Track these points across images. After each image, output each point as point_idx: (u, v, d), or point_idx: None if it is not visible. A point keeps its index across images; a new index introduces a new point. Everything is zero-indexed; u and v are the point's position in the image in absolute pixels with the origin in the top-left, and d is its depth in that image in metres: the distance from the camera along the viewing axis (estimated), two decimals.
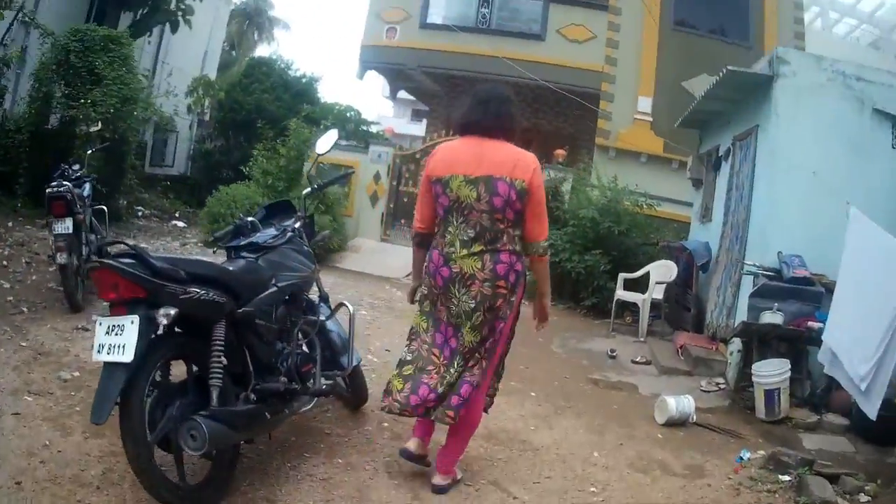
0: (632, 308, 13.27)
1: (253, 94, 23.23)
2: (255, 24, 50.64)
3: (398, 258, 16.35)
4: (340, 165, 17.10)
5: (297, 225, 5.89)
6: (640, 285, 12.94)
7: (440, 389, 5.05)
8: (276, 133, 19.61)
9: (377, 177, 19.44)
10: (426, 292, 5.30)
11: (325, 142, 6.22)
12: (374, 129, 24.30)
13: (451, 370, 5.07)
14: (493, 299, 4.97)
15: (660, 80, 19.81)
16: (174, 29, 20.81)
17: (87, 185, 9.80)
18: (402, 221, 19.06)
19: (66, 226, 8.62)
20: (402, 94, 28.44)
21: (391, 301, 12.82)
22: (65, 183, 9.02)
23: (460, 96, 23.50)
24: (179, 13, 20.31)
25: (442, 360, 5.17)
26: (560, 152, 17.78)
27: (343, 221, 18.05)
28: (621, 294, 12.85)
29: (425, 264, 5.26)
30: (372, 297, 12.96)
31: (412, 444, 5.38)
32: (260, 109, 22.80)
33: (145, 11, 20.01)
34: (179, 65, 25.95)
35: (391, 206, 19.50)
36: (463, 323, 5.06)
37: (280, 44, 56.45)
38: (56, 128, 14.91)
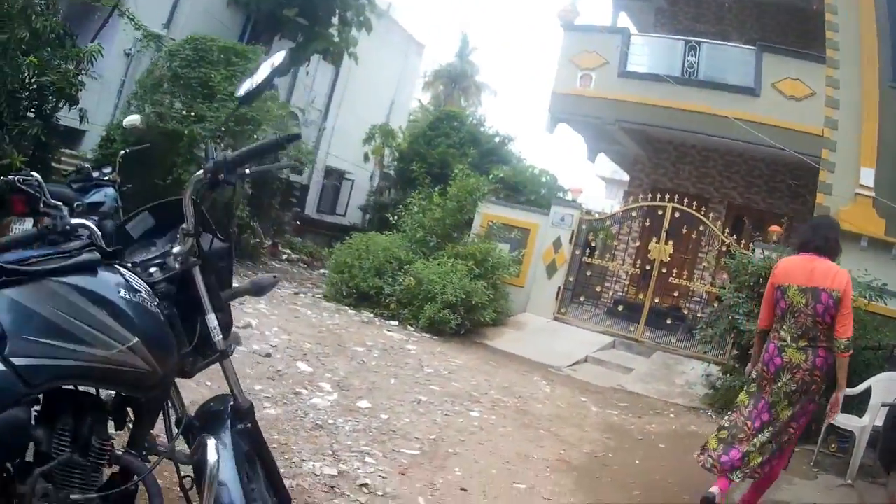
0: (839, 431, 10.62)
1: (438, 148, 22.85)
2: (460, 87, 51.15)
3: (568, 342, 15.75)
4: (515, 227, 17.85)
5: (179, 249, 3.21)
6: (854, 405, 10.47)
7: (744, 453, 6.46)
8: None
9: (557, 243, 18.01)
10: (755, 376, 6.86)
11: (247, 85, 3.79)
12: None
13: (757, 438, 6.50)
14: (810, 384, 6.43)
15: (883, 146, 17.24)
16: (337, 62, 21.61)
17: (105, 191, 8.80)
18: (582, 299, 18.20)
19: (23, 227, 7.12)
20: (603, 160, 27.84)
21: (530, 400, 10.92)
22: (32, 173, 7.54)
23: (664, 162, 23.20)
24: (342, 45, 20.44)
25: (752, 430, 6.56)
26: (776, 229, 16.28)
27: (506, 291, 16.86)
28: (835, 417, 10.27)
29: (762, 353, 6.79)
30: (505, 391, 11.11)
31: (715, 490, 6.42)
32: (444, 164, 22.14)
33: (302, 40, 19.89)
34: (360, 112, 26.64)
35: (570, 279, 18.03)
36: (780, 401, 6.50)
37: (486, 109, 57.54)
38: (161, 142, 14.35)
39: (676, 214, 17.28)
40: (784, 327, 6.59)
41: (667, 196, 17.97)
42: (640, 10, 25.46)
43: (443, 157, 22.57)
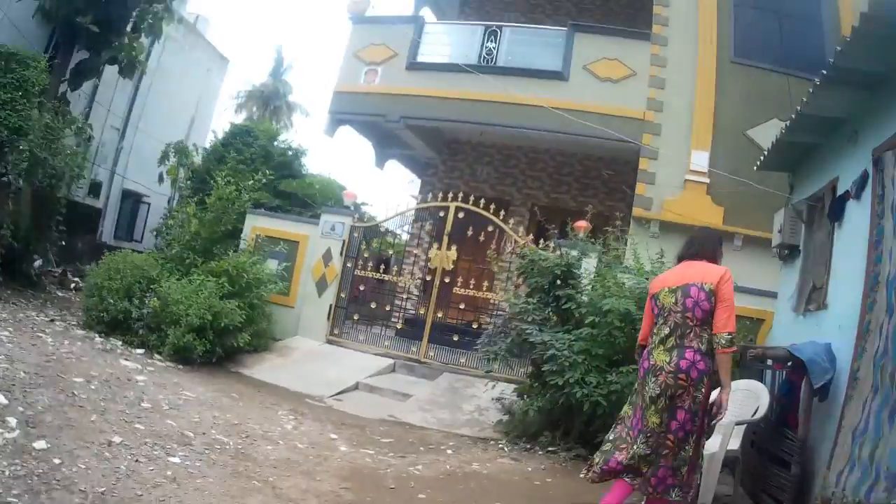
0: None
1: (228, 164, 21.00)
2: (272, 107, 51.10)
3: (339, 367, 14.27)
4: (282, 240, 16.16)
5: None
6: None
7: (626, 461, 6.16)
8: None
9: (327, 256, 16.04)
10: (636, 386, 6.59)
11: None
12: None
13: (635, 446, 6.16)
14: (675, 389, 6.06)
15: (720, 128, 16.19)
16: (127, 72, 20.26)
17: None
18: (356, 317, 16.20)
19: None
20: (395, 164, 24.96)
21: (260, 440, 8.96)
22: None
23: (460, 164, 21.65)
24: (131, 54, 19.72)
25: (631, 440, 6.27)
26: (582, 225, 13.47)
27: (271, 312, 15.26)
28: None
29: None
30: (232, 430, 9.15)
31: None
32: (236, 182, 19.86)
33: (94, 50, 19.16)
34: (159, 131, 25.92)
35: (342, 295, 16.26)
36: (647, 407, 6.19)
37: (298, 131, 56.24)
38: None
39: (461, 215, 15.71)
40: (655, 330, 6.48)
41: (459, 199, 16.09)
42: (446, 2, 23.68)
43: (234, 175, 20.28)
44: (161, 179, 22.26)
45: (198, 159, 22.55)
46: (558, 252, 12.26)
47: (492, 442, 10.65)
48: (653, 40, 17.05)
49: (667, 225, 15.76)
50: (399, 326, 16.39)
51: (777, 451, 8.29)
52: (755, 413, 8.16)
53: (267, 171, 19.20)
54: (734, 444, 7.95)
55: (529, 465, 9.37)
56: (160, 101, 27.95)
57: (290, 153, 23.82)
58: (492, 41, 18.43)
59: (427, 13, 22.73)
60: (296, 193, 20.05)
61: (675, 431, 6.09)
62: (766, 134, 12.80)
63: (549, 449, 10.20)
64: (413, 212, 16.54)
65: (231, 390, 11.73)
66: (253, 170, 20.25)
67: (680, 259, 6.80)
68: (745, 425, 8.28)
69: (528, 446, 10.24)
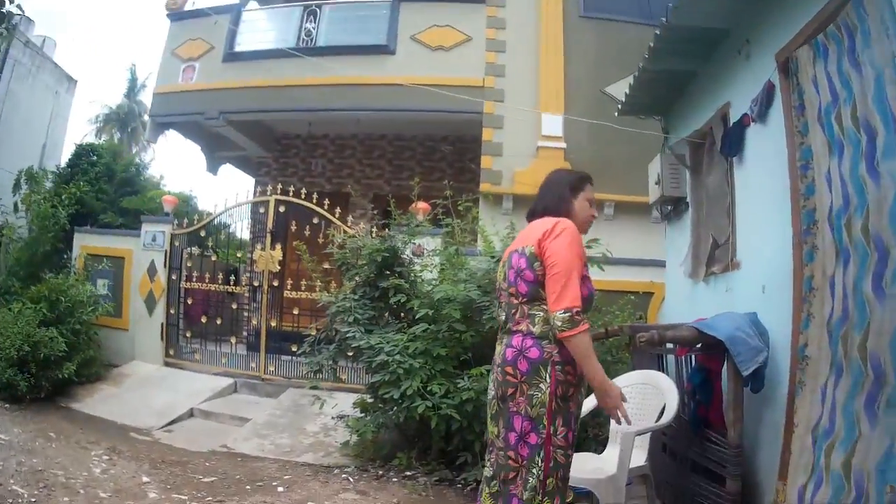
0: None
1: (77, 188, 19.81)
2: (129, 129, 49.46)
3: (176, 393, 12.68)
4: (106, 257, 14.90)
5: None
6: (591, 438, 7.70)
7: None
8: None
9: (152, 269, 14.36)
10: None
11: None
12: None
13: (487, 467, 4.69)
14: (505, 388, 4.43)
15: (571, 88, 14.99)
16: None
17: None
18: (188, 335, 14.57)
19: None
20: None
21: (56, 490, 7.34)
22: None
23: (293, 160, 20.42)
24: None
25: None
26: (423, 206, 11.83)
27: (101, 337, 13.62)
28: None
29: None
30: (31, 478, 7.57)
31: None
32: (81, 202, 19.31)
33: None
34: (13, 163, 23.87)
35: (171, 311, 14.48)
36: (487, 413, 4.77)
37: (157, 150, 54.59)
38: None
39: (282, 209, 14.18)
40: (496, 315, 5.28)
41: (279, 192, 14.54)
42: None
43: (79, 197, 19.57)
44: (16, 209, 19.89)
45: (49, 184, 20.75)
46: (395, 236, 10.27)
47: (336, 470, 8.75)
48: (488, 2, 15.87)
49: (521, 199, 14.16)
50: (234, 341, 14.65)
51: (702, 461, 6.15)
52: (661, 415, 5.91)
53: (104, 188, 19.09)
54: (638, 457, 5.87)
55: (380, 500, 7.48)
56: (12, 130, 26.88)
57: (132, 169, 22.76)
58: (311, 21, 17.16)
59: (254, 6, 21.17)
60: (139, 209, 18.50)
61: (516, 447, 4.40)
62: (626, 89, 11.24)
63: (406, 474, 8.36)
64: (234, 212, 14.78)
65: (51, 429, 10.29)
66: (98, 189, 19.82)
67: (528, 220, 5.05)
68: (649, 434, 6.12)
69: (381, 472, 8.37)
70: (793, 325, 5.33)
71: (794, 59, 5.60)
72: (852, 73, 4.68)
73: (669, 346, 6.61)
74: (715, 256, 7.49)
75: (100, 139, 45.34)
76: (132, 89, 50.41)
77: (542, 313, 4.39)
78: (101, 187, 20.44)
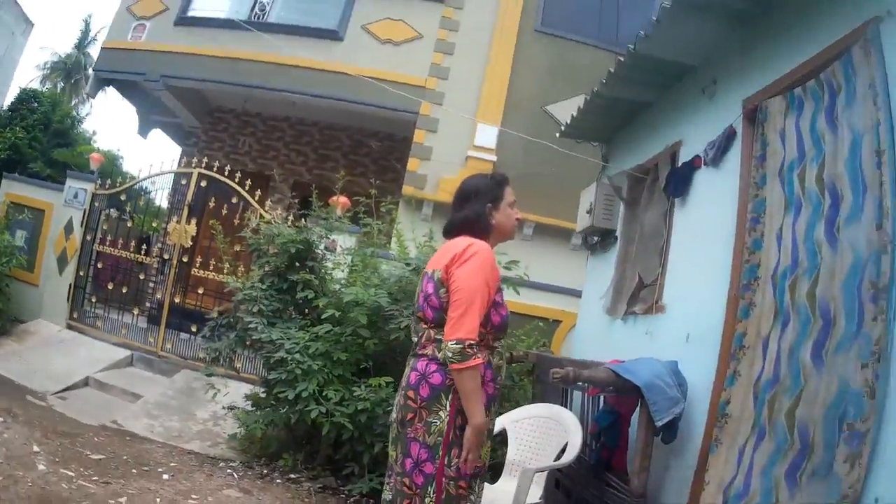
0: None
1: (13, 133, 20.68)
2: (72, 80, 47.84)
3: (74, 358, 12.11)
4: (28, 207, 14.28)
5: None
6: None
7: None
8: None
9: (69, 227, 13.77)
10: None
11: None
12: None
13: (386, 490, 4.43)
14: (405, 411, 4.20)
15: (513, 101, 14.77)
16: None
17: None
18: (94, 300, 14.06)
19: None
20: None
21: None
22: None
23: (222, 135, 19.92)
24: None
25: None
26: (343, 201, 11.13)
27: (14, 290, 13.32)
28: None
29: None
30: None
31: None
32: (15, 149, 20.13)
33: None
34: None
35: (81, 273, 13.84)
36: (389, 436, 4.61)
37: (94, 106, 53.57)
38: None
39: (203, 183, 13.62)
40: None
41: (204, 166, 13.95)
42: None
43: (13, 143, 20.35)
44: None
45: None
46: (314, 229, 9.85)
47: (221, 464, 8.33)
48: (447, 3, 15.58)
49: (442, 207, 13.39)
50: (136, 312, 14.11)
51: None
52: (562, 454, 5.67)
53: (39, 136, 19.56)
54: (534, 493, 5.43)
55: (263, 501, 7.12)
56: None
57: (68, 121, 23.01)
58: None
59: None
60: (68, 163, 18.69)
61: (411, 474, 4.22)
62: (570, 110, 10.54)
63: (291, 476, 8.03)
64: (157, 179, 14.26)
65: None
66: (32, 137, 20.18)
67: (444, 236, 4.80)
68: (547, 472, 5.75)
69: (266, 471, 8.01)
70: (716, 380, 5.13)
71: (763, 107, 5.39)
72: (827, 132, 4.44)
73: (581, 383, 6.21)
74: (639, 296, 7.23)
75: (44, 87, 44.24)
76: (83, 41, 49.16)
77: (439, 339, 4.21)
78: (35, 135, 20.65)
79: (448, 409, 4.10)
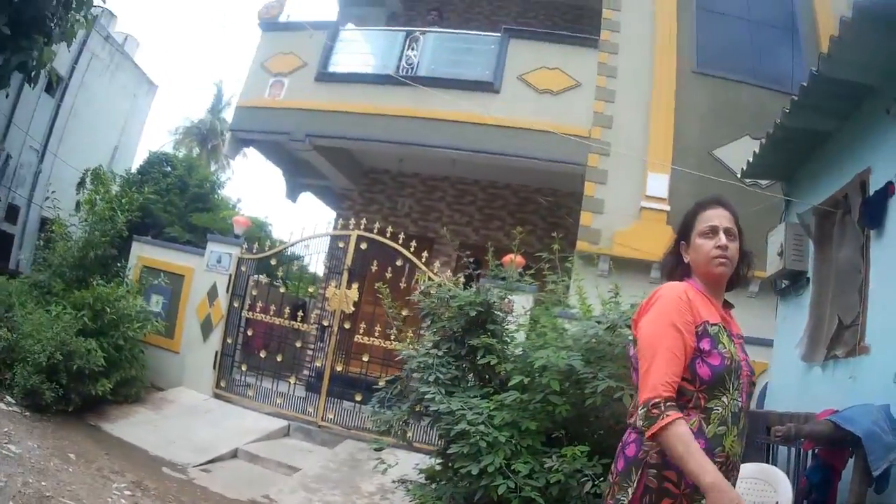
0: None
1: (142, 195, 19.43)
2: (209, 145, 49.23)
3: (221, 429, 12.00)
4: (164, 272, 14.23)
5: None
6: None
7: None
8: None
9: (213, 292, 13.84)
10: None
11: None
12: None
13: None
14: (606, 486, 3.82)
15: (680, 147, 14.08)
16: (35, 81, 18.07)
17: None
18: (244, 368, 13.91)
19: None
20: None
21: None
22: None
23: (378, 196, 19.69)
24: (44, 59, 17.23)
25: None
26: (519, 260, 10.28)
27: (146, 357, 12.97)
28: None
29: None
30: None
31: None
32: (147, 212, 19.43)
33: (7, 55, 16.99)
34: (81, 155, 24.60)
35: (228, 340, 13.84)
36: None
37: (235, 172, 54.70)
38: None
39: (363, 246, 13.59)
40: None
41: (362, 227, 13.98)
42: (370, 17, 21.40)
43: (144, 205, 19.25)
44: (78, 208, 19.27)
45: (115, 188, 19.75)
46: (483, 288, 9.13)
47: None
48: (601, 48, 15.08)
49: (619, 261, 12.84)
50: (292, 381, 13.82)
51: None
52: None
53: (174, 200, 19.40)
54: None
55: None
56: (82, 125, 26.94)
57: (206, 185, 22.96)
58: (413, 49, 16.31)
59: (352, 27, 20.68)
60: (208, 228, 18.55)
61: None
62: (736, 153, 11.57)
63: None
64: (310, 243, 14.20)
65: (72, 448, 9.59)
66: (167, 201, 20.02)
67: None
68: None
69: None
70: None
71: None
72: None
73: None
74: (839, 339, 6.76)
75: (178, 151, 44.98)
76: (216, 105, 50.48)
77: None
78: (171, 199, 20.62)
79: (635, 485, 3.53)
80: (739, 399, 3.39)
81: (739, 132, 13.12)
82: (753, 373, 3.56)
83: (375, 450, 8.56)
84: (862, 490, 5.04)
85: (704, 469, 3.12)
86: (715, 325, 3.63)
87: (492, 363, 7.96)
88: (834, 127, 7.30)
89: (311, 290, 15.92)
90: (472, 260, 10.32)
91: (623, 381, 6.91)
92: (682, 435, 3.19)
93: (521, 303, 9.76)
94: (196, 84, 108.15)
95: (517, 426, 7.22)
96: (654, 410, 3.25)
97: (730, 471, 3.35)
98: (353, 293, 13.20)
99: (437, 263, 13.36)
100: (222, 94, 50.74)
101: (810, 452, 6.07)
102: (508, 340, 8.64)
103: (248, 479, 10.33)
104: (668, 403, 3.23)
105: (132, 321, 12.57)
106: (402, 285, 11.39)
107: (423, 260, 12.50)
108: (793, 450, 6.30)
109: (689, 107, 14.51)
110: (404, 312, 10.62)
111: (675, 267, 3.86)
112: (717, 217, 3.69)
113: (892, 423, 5.06)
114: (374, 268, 12.98)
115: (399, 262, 12.68)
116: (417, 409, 8.16)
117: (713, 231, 3.62)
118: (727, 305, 3.75)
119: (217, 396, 13.55)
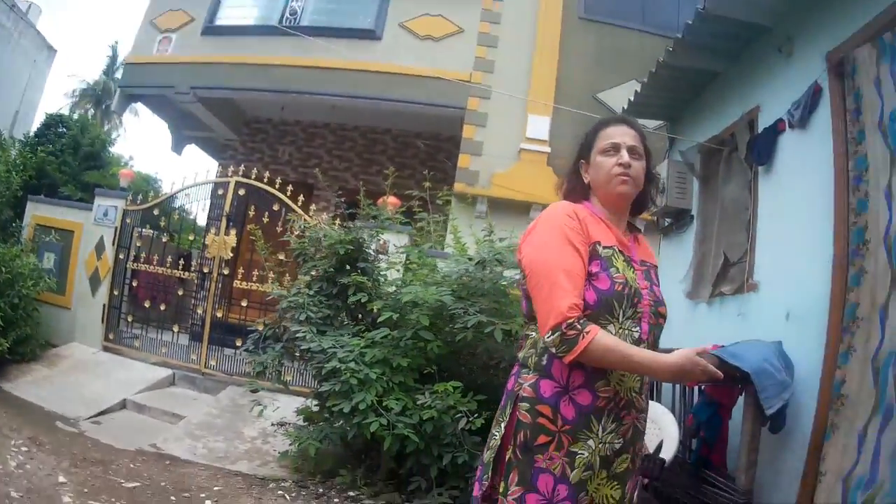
0: None
1: (37, 156, 19.77)
2: (103, 106, 48.92)
3: (110, 381, 11.83)
4: (55, 229, 14.18)
5: None
6: None
7: None
8: None
9: (100, 246, 13.57)
10: None
11: None
12: None
13: None
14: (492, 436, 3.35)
15: (563, 91, 14.35)
16: None
17: None
18: (130, 319, 13.72)
19: None
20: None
21: None
22: None
23: (261, 145, 20.11)
24: None
25: None
26: (393, 201, 10.82)
27: (40, 315, 12.73)
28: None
29: None
30: None
31: None
32: (42, 174, 19.12)
33: None
34: None
35: (115, 293, 13.62)
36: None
37: (128, 130, 53.90)
38: None
39: (242, 192, 13.46)
40: None
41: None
42: None
43: (40, 167, 19.29)
44: None
45: (14, 152, 20.51)
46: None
47: (272, 484, 7.91)
48: None
49: (498, 203, 13.80)
50: (175, 329, 13.73)
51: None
52: (657, 452, 4.75)
53: (68, 160, 18.82)
54: None
55: None
56: None
57: (98, 143, 22.09)
58: (297, 0, 16.57)
59: None
60: (99, 184, 17.68)
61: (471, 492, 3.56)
62: (622, 97, 11.00)
63: (350, 494, 7.46)
64: (192, 192, 14.02)
65: None
66: (62, 161, 19.54)
67: None
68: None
69: (322, 490, 7.52)
70: (826, 359, 4.76)
71: (850, 59, 5.16)
72: None
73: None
74: (726, 276, 6.89)
75: (74, 114, 45.52)
76: (111, 66, 49.66)
77: (532, 334, 3.32)
78: (65, 159, 20.05)
79: (507, 419, 3.27)
80: (636, 329, 3.08)
81: (626, 77, 13.35)
82: (662, 303, 3.27)
83: (252, 391, 8.86)
84: (755, 429, 5.05)
85: (654, 358, 2.94)
86: (609, 247, 3.30)
87: (363, 301, 8.11)
88: (721, 67, 7.43)
89: (192, 239, 15.84)
90: (344, 201, 10.42)
91: (495, 316, 7.27)
92: (609, 343, 2.94)
93: (396, 242, 10.43)
94: (91, 45, 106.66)
95: (389, 363, 7.39)
96: (571, 332, 2.96)
97: (622, 409, 3.09)
98: (232, 239, 13.03)
99: (313, 207, 13.12)
100: (117, 56, 50.16)
101: (696, 389, 6.11)
102: (381, 279, 8.89)
103: (136, 429, 10.20)
104: (582, 320, 2.96)
105: (26, 279, 12.25)
106: (279, 229, 11.15)
107: (300, 204, 12.49)
108: (678, 386, 6.40)
109: (575, 52, 14.76)
110: (281, 256, 10.80)
111: (574, 189, 3.52)
112: (619, 134, 3.35)
113: (785, 361, 5.09)
114: (251, 213, 12.91)
115: (276, 207, 12.65)
116: (291, 350, 8.26)
117: (615, 148, 3.31)
118: (634, 230, 3.45)
119: (106, 349, 13.32)
